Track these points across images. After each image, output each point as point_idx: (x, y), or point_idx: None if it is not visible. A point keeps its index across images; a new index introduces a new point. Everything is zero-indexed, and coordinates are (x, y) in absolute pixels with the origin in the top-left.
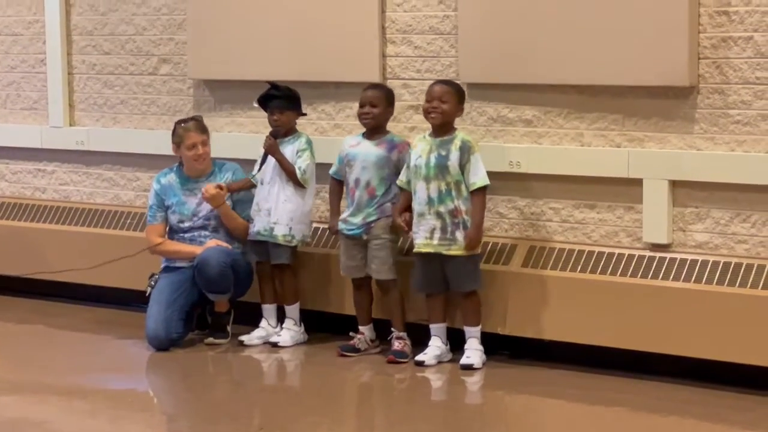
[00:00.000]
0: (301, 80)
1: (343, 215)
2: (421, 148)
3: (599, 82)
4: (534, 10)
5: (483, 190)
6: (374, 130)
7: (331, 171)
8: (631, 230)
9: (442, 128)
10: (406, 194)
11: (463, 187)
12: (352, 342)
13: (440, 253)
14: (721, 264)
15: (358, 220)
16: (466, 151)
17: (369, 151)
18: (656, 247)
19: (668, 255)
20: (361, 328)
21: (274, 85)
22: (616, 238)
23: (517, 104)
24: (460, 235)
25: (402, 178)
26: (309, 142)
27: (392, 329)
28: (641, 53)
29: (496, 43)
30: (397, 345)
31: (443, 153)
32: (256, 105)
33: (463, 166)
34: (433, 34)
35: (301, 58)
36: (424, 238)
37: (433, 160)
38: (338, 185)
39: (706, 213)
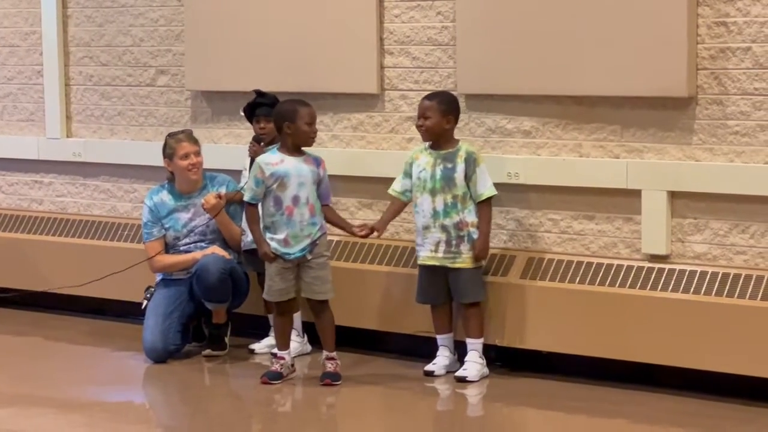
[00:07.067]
0: (299, 91)
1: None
2: (425, 161)
3: (597, 93)
4: (532, 21)
5: (490, 201)
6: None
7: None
8: (630, 241)
9: (440, 141)
10: (400, 205)
11: (468, 199)
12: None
13: (445, 265)
14: (719, 275)
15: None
16: (471, 162)
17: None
18: (655, 258)
19: (667, 266)
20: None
21: (260, 93)
22: (614, 249)
23: (515, 115)
24: (464, 248)
25: (396, 188)
26: None
27: (324, 351)
28: (640, 64)
29: (495, 54)
30: (330, 366)
31: (449, 165)
32: (242, 114)
33: (469, 178)
34: (431, 45)
35: (299, 69)
36: (429, 251)
37: (439, 173)
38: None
39: (705, 224)
